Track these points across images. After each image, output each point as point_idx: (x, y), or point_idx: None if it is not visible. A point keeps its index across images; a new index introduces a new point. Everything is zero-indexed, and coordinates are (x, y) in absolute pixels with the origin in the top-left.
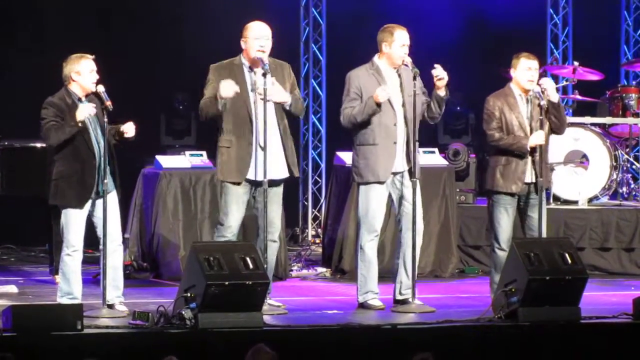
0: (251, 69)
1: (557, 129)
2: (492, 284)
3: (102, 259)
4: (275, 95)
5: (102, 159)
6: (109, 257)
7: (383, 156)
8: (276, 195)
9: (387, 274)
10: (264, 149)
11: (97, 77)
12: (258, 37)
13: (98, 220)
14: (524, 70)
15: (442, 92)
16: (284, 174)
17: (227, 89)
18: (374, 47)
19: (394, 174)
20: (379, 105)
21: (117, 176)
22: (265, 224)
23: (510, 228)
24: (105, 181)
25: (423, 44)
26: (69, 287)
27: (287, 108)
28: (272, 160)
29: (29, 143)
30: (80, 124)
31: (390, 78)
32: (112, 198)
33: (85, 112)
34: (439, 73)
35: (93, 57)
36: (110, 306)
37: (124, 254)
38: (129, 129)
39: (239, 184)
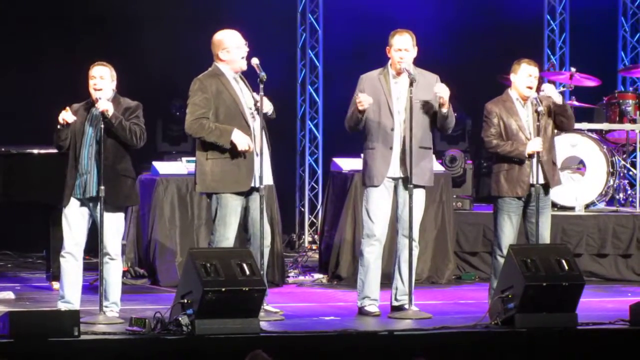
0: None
1: (567, 127)
2: (491, 290)
3: (99, 265)
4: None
5: (89, 164)
6: (103, 267)
7: (379, 160)
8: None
9: (386, 280)
10: (260, 155)
11: (96, 83)
12: (243, 42)
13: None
14: (524, 76)
15: (443, 109)
16: (271, 180)
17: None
18: (370, 53)
19: (394, 179)
20: (361, 112)
21: (122, 189)
22: (262, 230)
23: (513, 235)
24: (102, 187)
25: (420, 49)
26: (62, 290)
27: (269, 115)
28: (266, 166)
29: (26, 149)
30: (59, 126)
31: (395, 82)
32: (110, 210)
33: (60, 116)
34: (439, 90)
35: (100, 63)
36: None
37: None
38: (99, 106)
39: (240, 194)
